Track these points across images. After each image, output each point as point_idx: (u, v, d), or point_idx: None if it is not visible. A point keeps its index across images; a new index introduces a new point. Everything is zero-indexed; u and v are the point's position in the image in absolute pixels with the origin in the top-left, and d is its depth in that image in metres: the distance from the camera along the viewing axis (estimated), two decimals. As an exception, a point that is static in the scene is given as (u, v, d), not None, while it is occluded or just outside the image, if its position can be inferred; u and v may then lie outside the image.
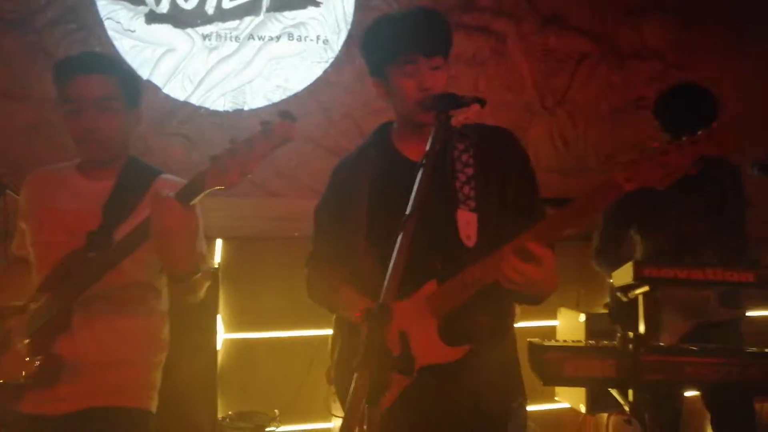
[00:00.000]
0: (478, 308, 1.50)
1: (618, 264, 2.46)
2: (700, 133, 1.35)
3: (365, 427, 1.01)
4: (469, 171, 1.59)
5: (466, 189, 1.57)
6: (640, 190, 2.45)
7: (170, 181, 1.79)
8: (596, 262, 2.73)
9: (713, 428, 2.60)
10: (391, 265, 1.17)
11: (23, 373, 1.61)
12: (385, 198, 1.58)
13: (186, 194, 1.46)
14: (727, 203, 2.58)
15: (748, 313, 2.69)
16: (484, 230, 1.54)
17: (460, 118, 1.50)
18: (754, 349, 2.00)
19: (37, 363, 1.61)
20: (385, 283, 1.16)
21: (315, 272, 1.75)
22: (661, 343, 2.09)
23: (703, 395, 2.62)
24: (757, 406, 2.56)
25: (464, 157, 1.60)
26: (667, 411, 2.45)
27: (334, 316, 1.75)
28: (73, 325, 1.64)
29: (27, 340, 1.64)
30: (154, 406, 1.79)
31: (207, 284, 1.71)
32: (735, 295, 2.50)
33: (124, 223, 1.68)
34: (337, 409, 1.59)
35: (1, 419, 1.66)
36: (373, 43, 1.61)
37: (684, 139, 1.35)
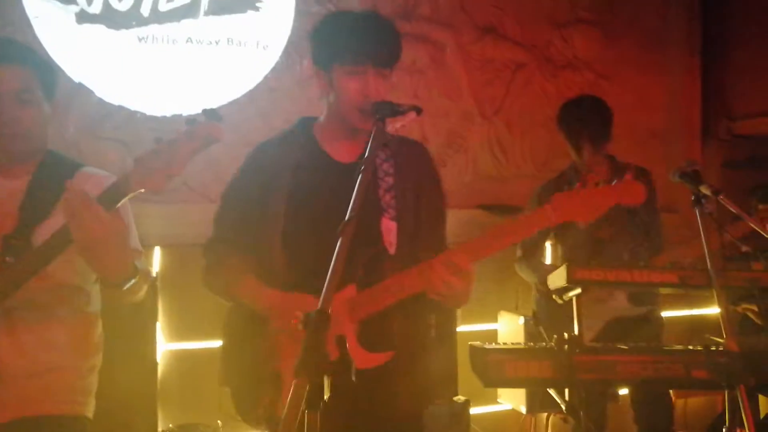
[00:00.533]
0: (397, 315, 1.55)
1: (539, 269, 2.60)
2: (615, 183, 1.53)
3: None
4: (390, 180, 1.64)
5: (387, 197, 1.62)
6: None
7: (91, 175, 1.72)
8: (519, 268, 2.90)
9: (636, 423, 2.73)
10: (330, 270, 1.17)
11: None
12: (307, 197, 1.60)
13: (109, 198, 1.40)
14: (639, 207, 2.72)
15: (668, 313, 2.86)
16: (403, 238, 1.60)
17: (397, 125, 1.52)
18: (678, 347, 2.11)
19: None
20: (324, 288, 1.16)
21: (216, 258, 1.70)
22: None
23: (629, 392, 2.75)
24: (681, 401, 2.71)
25: (385, 166, 1.65)
26: (596, 408, 2.55)
27: (226, 318, 1.73)
28: None
29: None
30: (90, 411, 1.72)
31: (145, 286, 1.65)
32: (642, 294, 2.66)
33: (43, 224, 1.60)
34: (232, 413, 1.64)
35: None
36: (325, 35, 1.63)
37: (601, 186, 1.52)
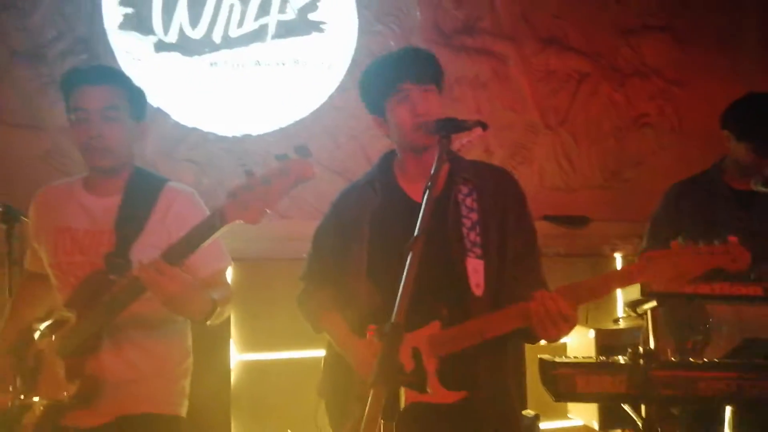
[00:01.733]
0: (479, 356, 1.55)
1: None
2: (717, 244, 1.44)
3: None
4: (474, 216, 1.63)
5: (472, 235, 1.61)
6: (693, 201, 2.38)
7: (179, 191, 1.84)
8: None
9: None
10: (401, 284, 1.19)
11: (64, 394, 1.65)
12: (386, 236, 1.64)
13: (179, 250, 1.51)
14: None
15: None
16: (489, 278, 1.59)
17: (463, 141, 1.54)
18: (765, 363, 2.00)
19: (76, 385, 1.65)
20: (397, 302, 1.18)
21: (307, 292, 1.82)
22: (672, 358, 2.08)
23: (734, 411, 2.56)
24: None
25: (468, 201, 1.65)
26: None
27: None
28: (103, 348, 1.68)
29: (63, 363, 1.67)
30: (184, 412, 1.83)
31: (229, 306, 1.76)
32: None
33: (138, 240, 1.72)
34: (325, 424, 1.66)
35: None
36: (369, 83, 1.71)
37: (701, 247, 1.45)
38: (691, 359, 2.05)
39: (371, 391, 1.02)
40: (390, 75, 1.64)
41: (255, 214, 1.43)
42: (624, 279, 1.49)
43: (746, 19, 4.12)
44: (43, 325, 1.75)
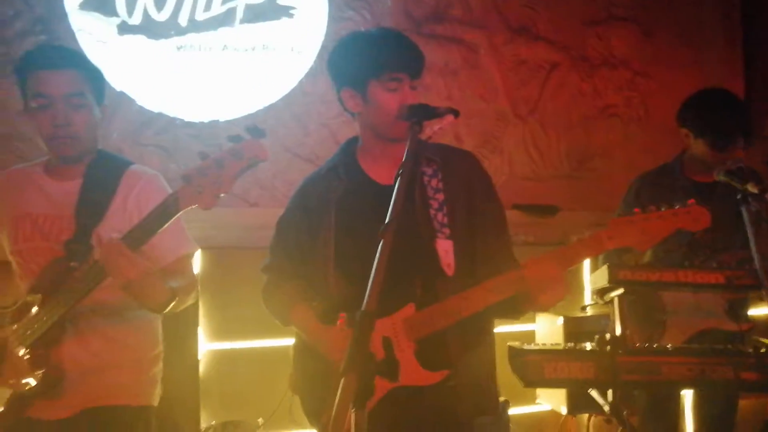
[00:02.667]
0: (456, 334, 1.55)
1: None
2: (678, 207, 1.50)
3: (352, 430, 1.01)
4: (440, 197, 1.63)
5: (440, 216, 1.61)
6: (655, 194, 2.44)
7: (141, 174, 1.79)
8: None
9: (694, 425, 2.63)
10: (372, 272, 1.18)
11: (28, 384, 1.61)
12: (353, 223, 1.62)
13: (139, 234, 1.48)
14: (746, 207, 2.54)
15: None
16: (460, 257, 1.59)
17: (435, 128, 1.53)
18: (727, 347, 2.06)
19: (40, 375, 1.61)
20: (368, 290, 1.17)
21: (273, 284, 1.78)
22: (646, 344, 2.12)
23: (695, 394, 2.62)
24: (742, 402, 2.57)
25: (434, 182, 1.64)
26: (668, 413, 2.45)
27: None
28: (67, 337, 1.64)
29: (26, 352, 1.62)
30: (155, 401, 1.80)
31: (193, 293, 1.73)
32: (738, 309, 2.43)
33: (99, 225, 1.67)
34: (301, 417, 1.65)
35: (8, 427, 1.67)
36: (352, 55, 1.64)
37: (664, 211, 1.50)
38: (655, 345, 2.10)
39: (341, 380, 1.01)
40: (385, 58, 1.59)
41: (209, 198, 1.41)
42: (594, 244, 1.51)
43: (709, 11, 4.20)
44: (5, 314, 1.69)
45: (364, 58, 1.62)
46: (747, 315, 2.52)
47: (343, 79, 1.66)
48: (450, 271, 1.56)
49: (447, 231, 1.59)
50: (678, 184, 2.52)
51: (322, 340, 1.61)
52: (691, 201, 1.51)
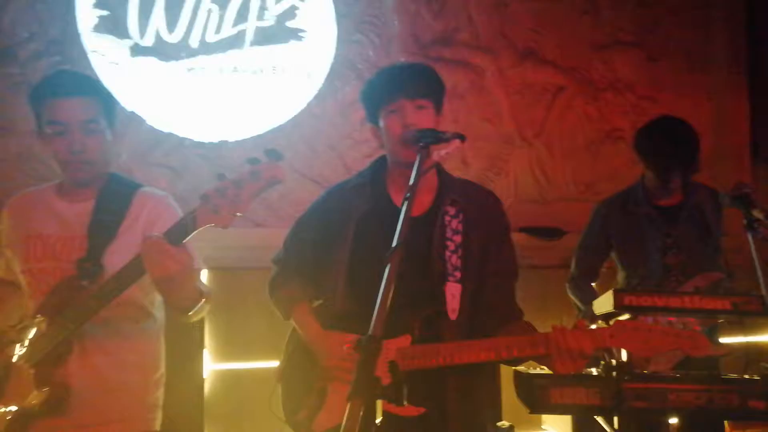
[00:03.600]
0: (447, 376, 1.56)
1: (590, 296, 2.50)
2: (683, 330, 1.55)
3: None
4: (458, 239, 1.66)
5: (454, 258, 1.64)
6: (621, 219, 2.51)
7: (151, 196, 1.83)
8: (570, 287, 2.80)
9: None
10: (379, 296, 1.19)
11: (33, 402, 1.61)
12: (369, 244, 1.65)
13: (176, 234, 1.48)
14: (711, 231, 2.62)
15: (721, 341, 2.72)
16: (465, 302, 1.62)
17: (441, 153, 1.55)
18: (733, 375, 2.04)
19: (45, 393, 1.61)
20: (374, 315, 1.17)
21: (280, 278, 1.81)
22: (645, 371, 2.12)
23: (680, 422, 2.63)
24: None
25: (454, 223, 1.67)
26: None
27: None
28: (73, 356, 1.64)
29: (32, 370, 1.63)
30: (157, 425, 1.80)
31: (207, 306, 1.74)
32: (713, 334, 2.48)
33: (111, 246, 1.70)
34: (278, 409, 1.67)
35: None
36: (368, 93, 1.74)
37: (669, 328, 1.56)
38: (662, 373, 2.09)
39: (348, 405, 1.02)
40: (386, 86, 1.68)
41: (226, 218, 1.44)
42: (595, 339, 1.52)
43: (715, 36, 4.23)
44: (13, 332, 1.70)
45: (373, 94, 1.71)
46: (719, 341, 2.56)
47: (368, 117, 1.76)
48: (454, 316, 1.59)
49: (458, 274, 1.62)
50: (643, 211, 2.62)
51: (317, 344, 1.65)
52: (697, 328, 1.53)
